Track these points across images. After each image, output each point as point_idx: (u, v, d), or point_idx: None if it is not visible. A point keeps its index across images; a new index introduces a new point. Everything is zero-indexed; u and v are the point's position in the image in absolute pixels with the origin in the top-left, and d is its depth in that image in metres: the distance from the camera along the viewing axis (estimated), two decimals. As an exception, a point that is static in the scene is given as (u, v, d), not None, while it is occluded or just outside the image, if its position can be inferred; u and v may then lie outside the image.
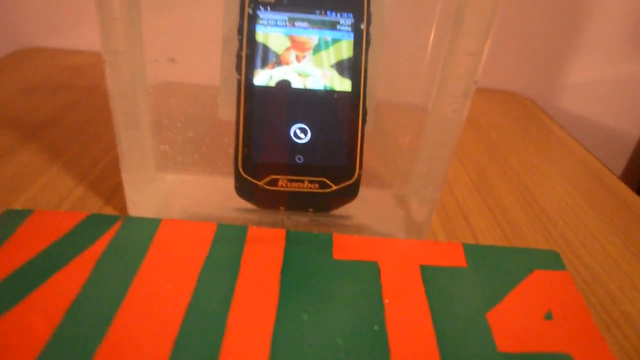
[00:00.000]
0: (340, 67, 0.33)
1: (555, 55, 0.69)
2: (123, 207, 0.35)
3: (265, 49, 0.33)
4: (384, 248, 0.32)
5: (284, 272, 0.29)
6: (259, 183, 0.33)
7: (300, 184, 0.33)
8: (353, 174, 0.33)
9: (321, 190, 0.33)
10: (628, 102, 0.73)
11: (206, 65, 0.37)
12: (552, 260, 0.33)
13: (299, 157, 0.33)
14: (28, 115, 0.47)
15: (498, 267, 0.32)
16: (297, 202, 0.34)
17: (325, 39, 0.33)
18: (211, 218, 0.34)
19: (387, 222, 0.36)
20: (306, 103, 0.33)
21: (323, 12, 0.33)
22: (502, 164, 0.48)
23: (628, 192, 0.46)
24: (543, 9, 0.66)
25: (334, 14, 0.33)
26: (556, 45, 0.69)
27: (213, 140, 0.39)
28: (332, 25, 0.33)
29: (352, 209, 0.35)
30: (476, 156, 0.50)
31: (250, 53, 0.33)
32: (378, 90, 0.35)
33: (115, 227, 0.32)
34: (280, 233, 0.32)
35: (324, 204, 0.34)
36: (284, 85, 0.33)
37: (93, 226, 0.32)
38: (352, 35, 0.33)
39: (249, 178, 0.32)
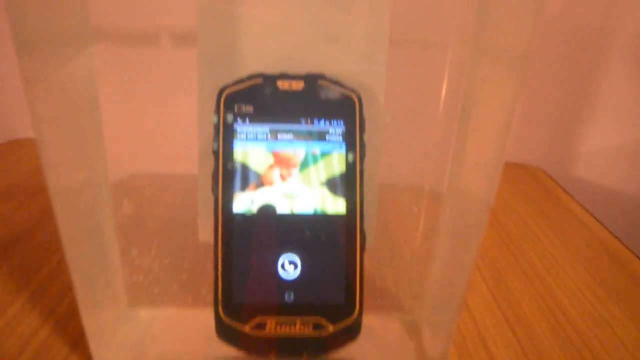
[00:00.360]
0: (332, 184, 0.29)
1: (564, 121, 0.66)
2: (90, 357, 0.30)
3: (245, 167, 0.29)
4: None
5: None
6: (243, 328, 0.28)
7: (292, 327, 0.28)
8: (353, 311, 0.29)
9: (316, 333, 0.28)
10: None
11: (181, 154, 0.33)
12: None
13: (288, 295, 0.28)
14: (1, 227, 0.43)
15: None
16: (289, 348, 0.29)
17: (313, 152, 0.29)
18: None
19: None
20: (294, 231, 0.29)
21: (309, 120, 0.29)
22: (521, 262, 0.43)
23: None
24: (550, 74, 0.63)
25: (322, 122, 0.29)
26: (565, 111, 0.65)
27: (194, 265, 0.35)
28: (321, 136, 0.29)
29: (353, 347, 0.30)
30: (491, 252, 0.45)
31: (228, 174, 0.29)
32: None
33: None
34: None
35: (320, 348, 0.29)
36: (267, 210, 0.29)
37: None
38: (343, 145, 0.29)
39: (232, 322, 0.28)
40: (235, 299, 0.28)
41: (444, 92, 0.30)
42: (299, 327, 0.28)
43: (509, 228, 0.49)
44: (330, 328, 0.28)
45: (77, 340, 0.32)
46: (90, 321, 0.29)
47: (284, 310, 0.28)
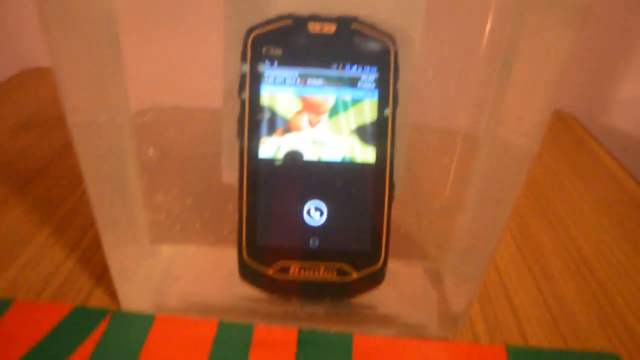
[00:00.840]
0: (362, 132, 0.28)
1: (600, 68, 0.62)
2: (114, 291, 0.31)
3: (272, 113, 0.28)
4: (412, 356, 0.27)
5: (294, 391, 0.25)
6: (267, 271, 0.28)
7: (316, 272, 0.28)
8: (378, 259, 0.28)
9: (340, 279, 0.28)
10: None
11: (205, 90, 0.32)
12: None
13: (313, 241, 0.28)
14: (21, 161, 0.43)
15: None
16: (312, 292, 0.29)
17: (343, 99, 0.28)
18: (213, 307, 0.30)
19: (417, 310, 0.31)
20: (321, 178, 0.28)
21: (341, 66, 0.28)
22: (549, 215, 0.42)
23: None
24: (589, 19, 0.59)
25: (354, 68, 0.28)
26: (601, 57, 0.62)
27: (216, 205, 0.35)
28: (352, 82, 0.28)
29: (376, 293, 0.30)
30: (517, 201, 0.44)
31: (254, 118, 0.28)
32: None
33: (103, 326, 0.28)
34: (291, 334, 0.28)
35: (343, 293, 0.29)
36: (294, 156, 0.28)
37: (78, 323, 0.28)
38: (376, 93, 0.28)
39: (255, 264, 0.28)
40: (259, 242, 0.28)
41: (485, 39, 0.28)
42: (323, 273, 0.28)
43: (536, 176, 0.48)
44: (354, 275, 0.28)
45: (101, 275, 0.32)
46: (114, 257, 0.29)
47: (308, 255, 0.28)
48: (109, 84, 0.27)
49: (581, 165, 0.51)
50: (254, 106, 0.27)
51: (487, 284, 0.34)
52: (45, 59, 0.62)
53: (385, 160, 0.28)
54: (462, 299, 0.30)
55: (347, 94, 0.28)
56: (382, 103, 0.28)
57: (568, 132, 0.58)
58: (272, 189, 0.28)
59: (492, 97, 0.28)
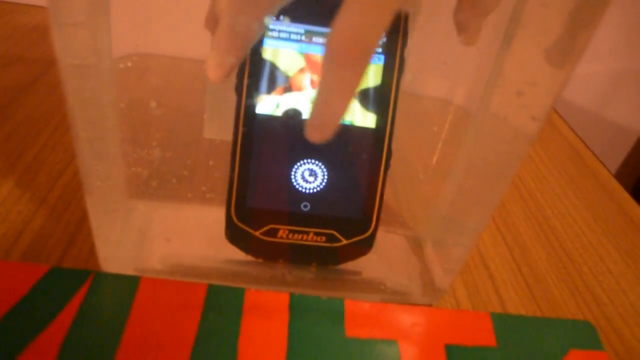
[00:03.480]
0: (365, 97, 0.27)
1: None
2: (91, 248, 0.29)
3: (274, 68, 0.26)
4: (403, 320, 0.28)
5: (289, 356, 0.25)
6: (255, 233, 0.27)
7: (304, 236, 0.28)
8: (368, 227, 0.28)
9: (328, 244, 0.28)
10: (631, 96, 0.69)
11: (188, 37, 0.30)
12: (588, 337, 0.29)
13: (305, 205, 0.27)
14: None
15: (530, 348, 0.28)
16: (300, 256, 0.29)
17: None
18: (196, 270, 0.29)
19: (400, 277, 0.31)
20: None
21: None
22: (518, 184, 0.44)
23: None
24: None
25: None
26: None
27: (196, 161, 0.33)
28: None
29: (361, 260, 0.30)
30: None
31: (255, 73, 0.26)
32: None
33: (84, 289, 0.26)
34: (283, 299, 0.27)
35: (330, 259, 0.29)
36: (293, 115, 0.27)
37: (57, 285, 0.26)
38: (382, 58, 0.27)
39: (243, 226, 0.27)
40: (248, 204, 0.27)
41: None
42: (312, 237, 0.27)
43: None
44: (343, 241, 0.28)
45: (74, 233, 0.30)
46: (95, 214, 0.27)
47: (298, 220, 0.27)
48: (97, 26, 0.25)
49: (547, 141, 0.53)
50: (256, 60, 0.26)
51: (466, 251, 0.35)
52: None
53: (385, 127, 0.28)
54: (446, 267, 0.31)
55: (351, 56, 0.27)
56: (388, 69, 0.27)
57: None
58: (268, 148, 0.27)
59: (490, 70, 0.28)
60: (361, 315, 0.27)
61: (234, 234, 0.27)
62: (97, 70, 0.26)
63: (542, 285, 0.34)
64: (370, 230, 0.28)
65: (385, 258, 0.32)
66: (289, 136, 0.27)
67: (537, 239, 0.38)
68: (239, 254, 0.28)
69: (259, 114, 0.26)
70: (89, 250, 0.29)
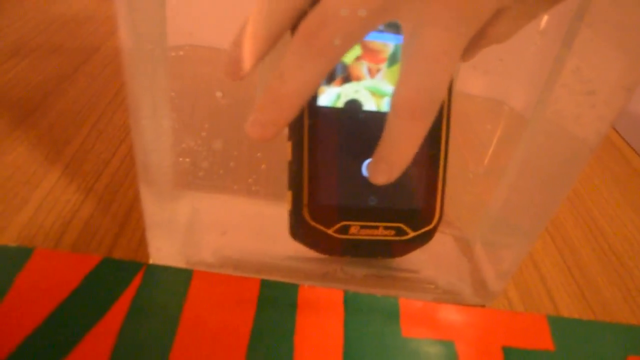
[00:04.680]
0: None
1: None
2: (140, 238, 0.29)
3: None
4: (458, 320, 0.27)
5: (346, 354, 0.24)
6: (328, 231, 0.26)
7: (375, 231, 0.27)
8: (433, 218, 0.27)
9: (397, 238, 0.27)
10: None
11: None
12: (648, 343, 0.28)
13: (372, 199, 0.27)
14: (17, 91, 0.39)
15: (588, 353, 0.27)
16: (368, 250, 0.27)
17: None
18: (248, 264, 0.28)
19: (452, 277, 0.31)
20: (380, 130, 0.27)
21: None
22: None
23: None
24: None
25: None
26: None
27: (241, 153, 0.33)
28: None
29: (412, 259, 0.29)
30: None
31: None
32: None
33: (137, 281, 0.26)
34: (337, 295, 0.27)
35: (395, 251, 0.28)
36: (355, 107, 0.26)
37: (109, 277, 0.26)
38: None
39: (316, 224, 0.26)
40: (320, 202, 0.26)
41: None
42: (382, 231, 0.27)
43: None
44: (410, 234, 0.27)
45: (122, 223, 0.30)
46: (149, 205, 0.26)
47: (367, 215, 0.26)
48: (155, 14, 0.24)
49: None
50: None
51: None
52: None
53: (442, 117, 0.27)
54: (498, 269, 0.30)
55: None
56: None
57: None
58: (335, 142, 0.26)
59: (546, 76, 0.27)
60: (416, 315, 0.27)
61: (303, 232, 0.26)
62: (153, 57, 0.26)
63: (594, 288, 0.33)
64: (435, 222, 0.27)
65: (435, 257, 0.31)
66: (353, 128, 0.26)
67: (587, 241, 0.37)
68: (289, 249, 0.28)
69: (321, 107, 0.25)
70: (138, 240, 0.29)
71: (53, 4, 0.53)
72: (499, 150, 0.32)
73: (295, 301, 0.26)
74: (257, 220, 0.30)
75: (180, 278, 0.26)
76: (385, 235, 0.27)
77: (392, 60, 0.26)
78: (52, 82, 0.41)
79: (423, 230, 0.27)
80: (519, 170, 0.30)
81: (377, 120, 0.26)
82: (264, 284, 0.27)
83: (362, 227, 0.26)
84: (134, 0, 0.23)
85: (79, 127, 0.36)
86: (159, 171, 0.28)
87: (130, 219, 0.30)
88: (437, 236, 0.33)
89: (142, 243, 0.29)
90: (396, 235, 0.27)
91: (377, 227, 0.26)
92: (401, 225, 0.27)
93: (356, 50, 0.26)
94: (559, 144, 0.28)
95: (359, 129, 0.26)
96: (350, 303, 0.27)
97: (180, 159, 0.31)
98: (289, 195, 0.26)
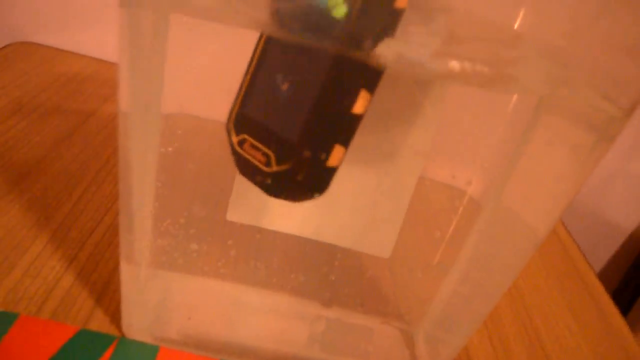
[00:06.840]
0: None
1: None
2: (115, 311, 0.32)
3: None
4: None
5: None
6: (233, 140, 0.26)
7: (256, 153, 0.25)
8: (300, 159, 0.23)
9: (264, 167, 0.24)
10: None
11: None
12: None
13: (271, 120, 0.25)
14: (15, 152, 0.43)
15: None
16: (251, 176, 0.25)
17: None
18: (211, 343, 0.32)
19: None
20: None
21: None
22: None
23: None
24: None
25: None
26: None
27: (215, 240, 0.36)
28: None
29: (351, 347, 0.32)
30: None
31: None
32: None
33: (108, 353, 0.29)
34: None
35: (267, 185, 0.25)
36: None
37: (85, 347, 0.29)
38: None
39: (231, 133, 0.26)
40: (239, 110, 0.26)
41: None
42: (259, 156, 0.24)
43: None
44: (273, 167, 0.24)
45: (100, 294, 0.33)
46: (127, 280, 0.29)
47: (258, 133, 0.25)
48: (152, 81, 0.26)
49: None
50: None
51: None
52: (35, 33, 0.60)
53: None
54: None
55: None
56: None
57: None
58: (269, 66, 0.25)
59: (505, 163, 0.29)
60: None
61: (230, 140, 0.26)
62: (145, 124, 0.28)
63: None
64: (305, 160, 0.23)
65: (380, 349, 0.34)
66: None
67: (521, 339, 0.40)
68: (252, 332, 0.31)
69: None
70: (112, 312, 0.32)
71: (57, 62, 0.57)
72: (454, 240, 0.35)
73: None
74: (223, 302, 0.33)
75: (147, 353, 0.29)
76: (259, 161, 0.24)
77: None
78: (49, 143, 0.44)
79: (283, 166, 0.24)
80: (468, 261, 0.32)
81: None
82: (222, 365, 0.30)
83: (251, 145, 0.25)
84: (137, 66, 0.25)
85: (70, 193, 0.40)
86: (139, 252, 0.31)
87: (107, 290, 0.33)
88: (385, 329, 0.36)
89: (116, 315, 0.32)
90: (265, 165, 0.24)
91: (258, 150, 0.24)
92: (269, 152, 0.24)
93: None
94: (509, 234, 0.30)
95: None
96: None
97: (159, 241, 0.34)
98: None
